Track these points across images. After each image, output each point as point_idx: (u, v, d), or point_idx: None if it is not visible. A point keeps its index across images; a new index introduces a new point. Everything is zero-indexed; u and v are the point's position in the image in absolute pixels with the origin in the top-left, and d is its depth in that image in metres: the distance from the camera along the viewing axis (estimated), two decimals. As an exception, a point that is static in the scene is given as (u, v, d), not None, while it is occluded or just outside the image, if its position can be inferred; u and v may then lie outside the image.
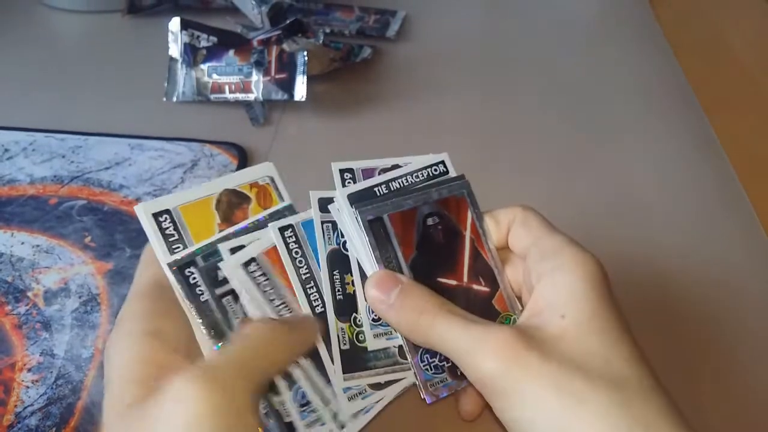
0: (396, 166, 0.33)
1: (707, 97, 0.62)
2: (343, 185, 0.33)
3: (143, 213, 0.28)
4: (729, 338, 0.41)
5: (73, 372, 0.38)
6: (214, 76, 0.60)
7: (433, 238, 0.31)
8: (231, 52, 0.60)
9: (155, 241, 0.28)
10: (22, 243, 0.45)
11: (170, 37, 0.60)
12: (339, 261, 0.31)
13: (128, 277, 0.43)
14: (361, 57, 0.65)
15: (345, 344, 0.31)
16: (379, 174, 0.33)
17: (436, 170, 0.33)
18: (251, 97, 0.59)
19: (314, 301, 0.30)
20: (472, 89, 0.65)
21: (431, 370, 0.29)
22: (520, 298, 0.32)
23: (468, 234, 0.31)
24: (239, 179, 0.31)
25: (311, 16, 0.73)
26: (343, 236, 0.31)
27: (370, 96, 0.63)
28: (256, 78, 0.59)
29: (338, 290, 0.31)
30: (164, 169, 0.52)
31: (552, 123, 0.60)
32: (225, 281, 0.28)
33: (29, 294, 0.42)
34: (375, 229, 0.30)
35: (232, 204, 0.30)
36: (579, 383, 0.24)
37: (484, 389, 0.26)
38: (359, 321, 0.31)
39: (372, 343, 0.30)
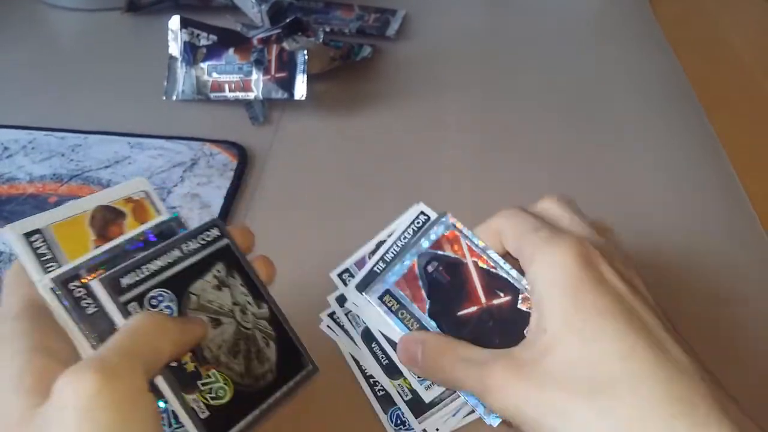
0: (381, 243, 0.36)
1: (707, 96, 0.62)
2: (345, 285, 0.36)
3: (12, 234, 0.27)
4: (729, 337, 0.41)
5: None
6: (214, 74, 0.60)
7: (439, 281, 0.33)
8: (231, 51, 0.60)
9: (28, 262, 0.27)
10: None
11: (170, 36, 0.60)
12: (372, 335, 0.35)
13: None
14: (361, 56, 0.65)
15: (407, 395, 0.34)
16: (370, 257, 0.36)
17: (419, 222, 0.36)
18: (251, 95, 0.59)
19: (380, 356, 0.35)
20: (472, 88, 0.65)
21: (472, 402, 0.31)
22: None
23: (469, 259, 0.33)
24: (112, 195, 0.31)
25: (311, 15, 0.73)
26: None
27: (370, 95, 0.63)
28: (256, 77, 0.59)
29: (382, 357, 0.35)
30: (164, 168, 0.52)
31: (552, 121, 0.60)
32: (130, 288, 0.27)
33: (29, 293, 0.42)
34: (387, 301, 0.33)
35: (106, 220, 0.30)
36: (565, 401, 0.25)
37: (507, 418, 0.28)
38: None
39: (426, 395, 0.33)
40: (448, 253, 0.33)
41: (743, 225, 0.50)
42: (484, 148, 0.57)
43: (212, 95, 0.60)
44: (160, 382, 0.27)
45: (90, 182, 0.50)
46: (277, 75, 0.58)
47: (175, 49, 0.60)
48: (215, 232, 0.30)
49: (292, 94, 0.57)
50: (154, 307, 0.27)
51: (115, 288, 0.27)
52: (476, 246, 0.33)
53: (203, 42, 0.60)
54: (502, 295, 0.32)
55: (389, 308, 0.33)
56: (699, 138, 0.58)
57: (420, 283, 0.33)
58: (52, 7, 0.76)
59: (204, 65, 0.60)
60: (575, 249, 0.27)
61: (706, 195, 0.53)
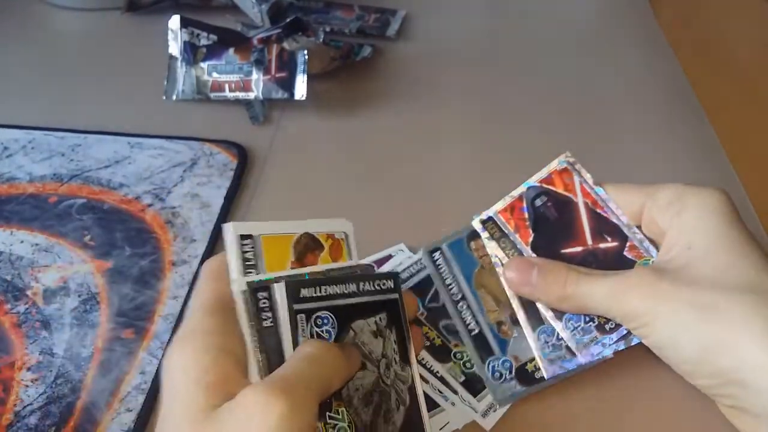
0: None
1: (707, 97, 0.62)
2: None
3: (231, 232, 0.29)
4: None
5: (73, 371, 0.38)
6: (214, 74, 0.60)
7: (546, 215, 0.33)
8: (231, 51, 0.60)
9: (233, 260, 0.29)
10: (22, 241, 0.45)
11: (170, 35, 0.60)
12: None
13: (128, 276, 0.43)
14: (361, 56, 0.65)
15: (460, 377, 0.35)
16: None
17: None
18: (251, 95, 0.59)
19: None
20: (472, 88, 0.65)
21: (579, 334, 0.32)
22: (652, 241, 0.33)
23: (580, 199, 0.33)
24: (320, 227, 0.33)
25: (311, 15, 0.73)
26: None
27: (370, 95, 0.63)
28: (256, 77, 0.59)
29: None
30: (164, 168, 0.52)
31: (552, 122, 0.60)
32: (305, 300, 0.29)
33: (28, 293, 0.42)
34: (489, 228, 0.33)
35: (308, 247, 0.32)
36: (710, 296, 0.27)
37: (632, 327, 0.29)
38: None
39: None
40: (559, 189, 0.33)
41: (743, 225, 0.50)
42: (484, 148, 0.57)
43: (212, 95, 0.60)
44: None
45: (90, 182, 0.50)
46: (277, 75, 0.58)
47: (175, 48, 0.60)
48: (390, 283, 0.32)
49: (292, 94, 0.57)
50: (318, 326, 0.29)
51: (293, 294, 0.28)
52: (589, 186, 0.33)
53: (203, 42, 0.60)
54: (609, 239, 0.32)
55: (491, 235, 0.33)
56: (699, 138, 0.58)
57: (525, 215, 0.33)
58: (52, 7, 0.76)
59: (204, 65, 0.60)
60: (723, 194, 0.30)
61: (706, 195, 0.53)
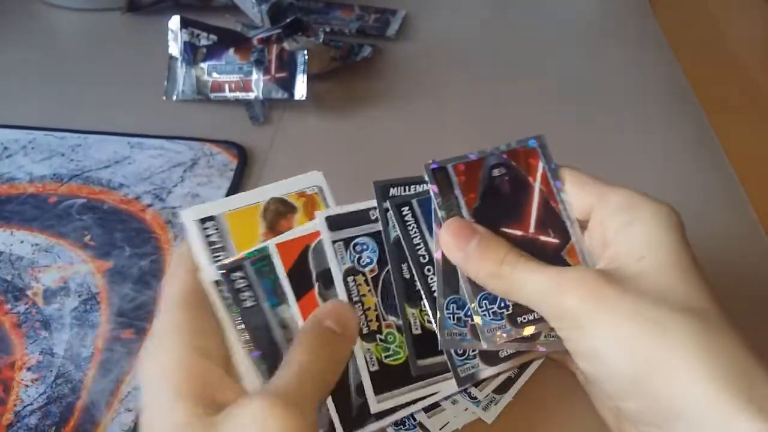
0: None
1: (707, 97, 0.62)
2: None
3: (188, 219, 0.28)
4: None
5: (73, 371, 0.38)
6: (214, 74, 0.60)
7: (498, 188, 0.31)
8: (231, 51, 0.60)
9: (198, 248, 0.27)
10: (22, 241, 0.45)
11: (170, 36, 0.60)
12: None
13: (128, 276, 0.43)
14: (361, 56, 0.65)
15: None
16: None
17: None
18: (251, 95, 0.59)
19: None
20: (472, 88, 0.65)
21: (489, 316, 0.30)
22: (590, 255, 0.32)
23: (537, 185, 0.31)
24: (288, 188, 0.31)
25: (311, 15, 0.73)
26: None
27: (370, 95, 0.63)
28: (256, 77, 0.59)
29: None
30: (164, 168, 0.52)
31: (552, 122, 0.60)
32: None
33: (29, 293, 0.42)
34: (438, 178, 0.31)
35: (279, 213, 0.30)
36: (658, 312, 0.25)
37: (561, 327, 0.27)
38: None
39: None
40: (521, 168, 0.32)
41: (743, 225, 0.50)
42: (484, 148, 0.57)
43: (212, 95, 0.60)
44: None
45: (90, 182, 0.50)
46: (277, 75, 0.58)
47: (175, 49, 0.60)
48: None
49: (292, 94, 0.57)
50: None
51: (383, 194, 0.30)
52: (551, 176, 0.32)
53: (203, 42, 0.60)
54: (551, 234, 0.31)
55: (438, 185, 0.31)
56: (699, 138, 0.58)
57: (479, 179, 0.31)
58: (52, 7, 0.76)
59: (204, 65, 0.60)
60: (674, 211, 0.29)
61: (706, 195, 0.53)
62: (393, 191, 0.32)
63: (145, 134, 0.55)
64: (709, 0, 0.71)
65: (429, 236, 0.32)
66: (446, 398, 0.36)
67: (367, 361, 0.29)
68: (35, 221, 0.47)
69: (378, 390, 0.29)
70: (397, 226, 0.32)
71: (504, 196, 0.31)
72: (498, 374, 0.33)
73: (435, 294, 0.30)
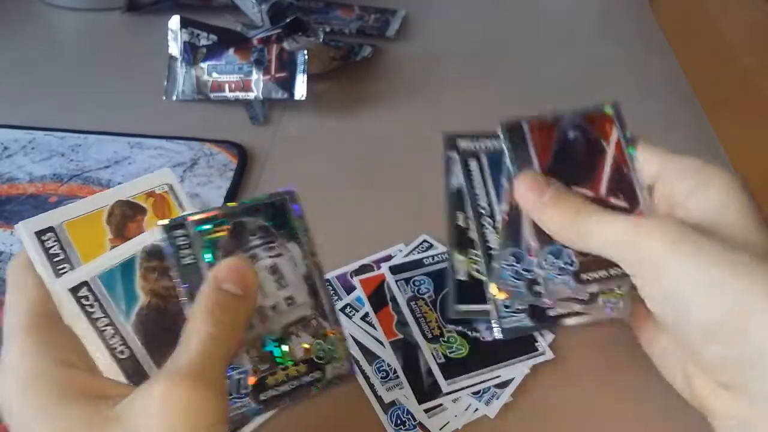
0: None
1: (707, 96, 0.62)
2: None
3: (24, 232, 0.26)
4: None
5: (73, 371, 0.38)
6: (214, 74, 0.60)
7: (572, 149, 0.32)
8: (231, 51, 0.60)
9: (39, 262, 0.26)
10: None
11: (170, 36, 0.60)
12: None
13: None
14: (361, 56, 0.65)
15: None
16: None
17: None
18: (251, 95, 0.59)
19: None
20: (471, 88, 0.65)
21: (554, 270, 0.30)
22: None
23: (611, 150, 0.32)
24: (133, 189, 0.29)
25: (311, 15, 0.73)
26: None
27: (370, 95, 0.63)
28: (256, 77, 0.59)
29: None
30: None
31: (552, 122, 0.60)
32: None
33: (29, 293, 0.42)
34: (513, 133, 0.32)
35: (125, 216, 0.28)
36: (744, 258, 0.25)
37: (640, 273, 0.27)
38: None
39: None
40: (596, 132, 0.32)
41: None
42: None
43: (212, 95, 0.60)
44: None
45: (90, 182, 0.50)
46: (277, 75, 0.58)
47: (175, 48, 0.60)
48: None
49: (292, 94, 0.57)
50: None
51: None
52: (625, 144, 0.32)
53: (203, 42, 0.60)
54: (622, 198, 0.31)
55: (512, 144, 0.31)
56: (699, 138, 0.58)
57: (554, 139, 0.32)
58: (52, 7, 0.76)
59: (204, 65, 0.60)
60: (742, 180, 0.30)
61: (706, 195, 0.53)
62: (462, 143, 0.34)
63: (145, 134, 0.55)
64: (709, 0, 0.71)
65: (492, 190, 0.33)
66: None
67: (434, 357, 0.36)
68: (35, 221, 0.47)
69: (447, 376, 0.36)
70: (461, 175, 0.33)
71: (577, 158, 0.32)
72: (541, 331, 0.34)
73: (490, 244, 0.31)
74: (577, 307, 0.31)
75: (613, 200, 0.31)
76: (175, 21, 0.60)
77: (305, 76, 0.57)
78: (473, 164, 0.34)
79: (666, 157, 0.31)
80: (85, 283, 0.26)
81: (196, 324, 0.25)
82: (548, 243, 0.30)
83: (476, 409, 0.36)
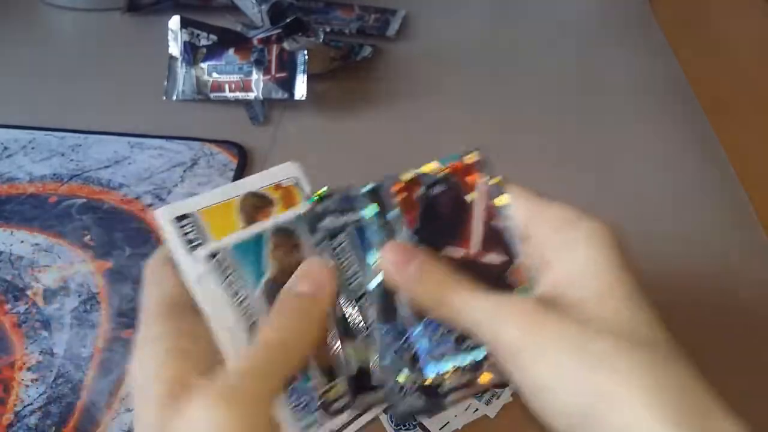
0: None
1: (707, 97, 0.62)
2: None
3: (164, 218, 0.27)
4: (728, 338, 0.41)
5: (73, 371, 0.38)
6: (214, 74, 0.60)
7: (438, 207, 0.30)
8: (231, 51, 0.60)
9: (177, 247, 0.27)
10: (22, 241, 0.45)
11: (170, 36, 0.60)
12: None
13: (128, 275, 0.43)
14: (361, 56, 0.65)
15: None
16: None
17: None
18: (251, 95, 0.59)
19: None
20: (471, 88, 0.65)
21: (434, 340, 0.28)
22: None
23: (479, 201, 0.30)
24: (262, 181, 0.30)
25: (311, 15, 0.73)
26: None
27: (370, 95, 0.63)
28: (256, 77, 0.59)
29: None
30: (164, 168, 0.52)
31: (552, 122, 0.60)
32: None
33: (29, 293, 0.42)
34: (375, 198, 0.30)
35: (256, 207, 0.29)
36: (602, 344, 0.24)
37: (504, 359, 0.26)
38: None
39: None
40: (461, 183, 0.30)
41: (743, 225, 0.50)
42: (483, 148, 0.57)
43: (212, 95, 0.60)
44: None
45: (90, 182, 0.50)
46: (277, 75, 0.58)
47: (175, 49, 0.60)
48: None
49: (292, 94, 0.57)
50: None
51: None
52: (493, 191, 0.30)
53: (203, 42, 0.60)
54: (495, 254, 0.29)
55: (379, 207, 0.29)
56: (699, 138, 0.58)
57: (417, 198, 0.30)
58: (52, 7, 0.76)
59: (204, 65, 0.60)
60: (614, 231, 0.27)
61: (706, 195, 0.53)
62: (326, 222, 0.30)
63: (145, 134, 0.55)
64: (709, 0, 0.71)
65: (368, 264, 0.30)
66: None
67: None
68: (35, 221, 0.47)
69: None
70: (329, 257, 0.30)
71: (444, 215, 0.30)
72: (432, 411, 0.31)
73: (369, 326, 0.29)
74: (466, 377, 0.28)
75: (487, 258, 0.29)
76: (175, 21, 0.60)
77: (305, 76, 0.57)
78: (342, 239, 0.31)
79: (536, 207, 0.29)
80: (219, 252, 0.27)
81: (264, 331, 0.25)
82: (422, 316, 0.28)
83: (476, 409, 0.36)
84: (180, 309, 0.26)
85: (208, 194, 0.28)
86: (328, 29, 0.70)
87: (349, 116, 0.60)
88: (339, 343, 0.29)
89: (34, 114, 0.58)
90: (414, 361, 0.28)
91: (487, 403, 0.36)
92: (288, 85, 0.58)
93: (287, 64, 0.58)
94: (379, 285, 0.29)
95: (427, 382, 0.28)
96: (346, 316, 0.29)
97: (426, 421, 0.35)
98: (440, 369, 0.28)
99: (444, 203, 0.30)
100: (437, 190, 0.30)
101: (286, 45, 0.58)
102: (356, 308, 0.29)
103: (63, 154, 0.53)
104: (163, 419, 0.23)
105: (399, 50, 0.70)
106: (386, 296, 0.29)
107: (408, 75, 0.66)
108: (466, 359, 0.28)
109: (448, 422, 0.35)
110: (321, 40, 0.59)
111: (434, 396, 0.29)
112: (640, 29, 0.75)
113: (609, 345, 0.23)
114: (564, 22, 0.77)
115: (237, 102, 0.60)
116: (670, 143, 0.58)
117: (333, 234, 0.30)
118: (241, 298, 0.27)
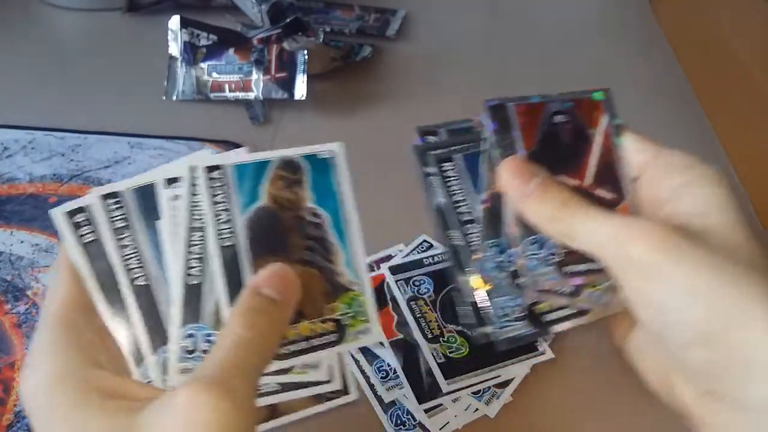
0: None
1: (707, 96, 0.62)
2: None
3: (59, 215, 0.27)
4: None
5: (73, 371, 0.38)
6: (214, 74, 0.60)
7: (557, 135, 0.30)
8: (231, 51, 0.60)
9: (71, 241, 0.27)
10: (22, 242, 0.45)
11: (170, 36, 0.60)
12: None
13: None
14: (361, 56, 0.65)
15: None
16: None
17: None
18: (251, 95, 0.59)
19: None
20: (471, 88, 0.65)
21: (535, 261, 0.29)
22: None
23: (598, 138, 0.31)
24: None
25: (311, 15, 0.73)
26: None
27: (370, 95, 0.63)
28: (256, 77, 0.59)
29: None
30: (164, 168, 0.52)
31: (552, 122, 0.60)
32: None
33: (29, 293, 0.42)
34: (497, 114, 0.31)
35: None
36: (734, 267, 0.24)
37: (628, 279, 0.26)
38: None
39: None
40: (584, 118, 0.31)
41: (743, 225, 0.50)
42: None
43: (212, 95, 0.60)
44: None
45: (90, 182, 0.50)
46: (277, 75, 0.58)
47: (175, 49, 0.60)
48: None
49: (292, 94, 0.57)
50: None
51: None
52: (614, 132, 0.31)
53: (203, 42, 0.60)
54: (607, 189, 0.30)
55: (499, 125, 0.30)
56: (699, 138, 0.59)
57: (539, 122, 0.30)
58: (52, 7, 0.75)
59: (204, 65, 0.60)
60: (727, 178, 0.29)
61: (706, 195, 0.53)
62: (436, 152, 0.33)
63: (145, 134, 0.55)
64: (710, 0, 0.71)
65: (472, 190, 0.31)
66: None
67: (434, 356, 0.37)
68: (35, 221, 0.47)
69: (447, 376, 0.36)
70: (440, 190, 0.32)
71: (563, 144, 0.30)
72: (539, 336, 0.33)
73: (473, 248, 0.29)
74: (561, 300, 0.30)
75: (598, 192, 0.29)
76: (175, 21, 0.60)
77: (305, 76, 0.57)
78: (448, 168, 0.32)
79: (654, 150, 0.31)
80: (220, 167, 0.28)
81: (229, 326, 0.25)
82: (530, 233, 0.28)
83: (476, 409, 0.36)
84: (84, 315, 0.26)
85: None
86: (328, 29, 0.70)
87: (349, 116, 0.60)
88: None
89: (34, 114, 0.58)
90: (513, 277, 0.29)
91: (487, 403, 0.36)
92: (288, 85, 0.58)
93: (287, 64, 0.58)
94: (486, 207, 0.29)
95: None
96: (460, 243, 0.30)
97: (426, 421, 0.35)
98: (539, 287, 0.28)
99: (565, 132, 0.31)
100: (560, 119, 0.31)
101: (286, 45, 0.58)
102: (463, 235, 0.30)
103: (63, 155, 0.53)
104: (118, 418, 0.22)
105: (399, 50, 0.70)
106: (494, 211, 0.29)
107: (408, 75, 0.66)
108: (566, 283, 0.29)
109: (448, 422, 0.35)
110: (321, 40, 0.59)
111: (539, 325, 0.30)
112: (640, 29, 0.75)
113: (742, 269, 0.24)
114: (564, 22, 0.77)
115: (237, 102, 0.60)
116: (670, 143, 0.58)
117: (442, 160, 0.32)
118: (220, 213, 0.27)
